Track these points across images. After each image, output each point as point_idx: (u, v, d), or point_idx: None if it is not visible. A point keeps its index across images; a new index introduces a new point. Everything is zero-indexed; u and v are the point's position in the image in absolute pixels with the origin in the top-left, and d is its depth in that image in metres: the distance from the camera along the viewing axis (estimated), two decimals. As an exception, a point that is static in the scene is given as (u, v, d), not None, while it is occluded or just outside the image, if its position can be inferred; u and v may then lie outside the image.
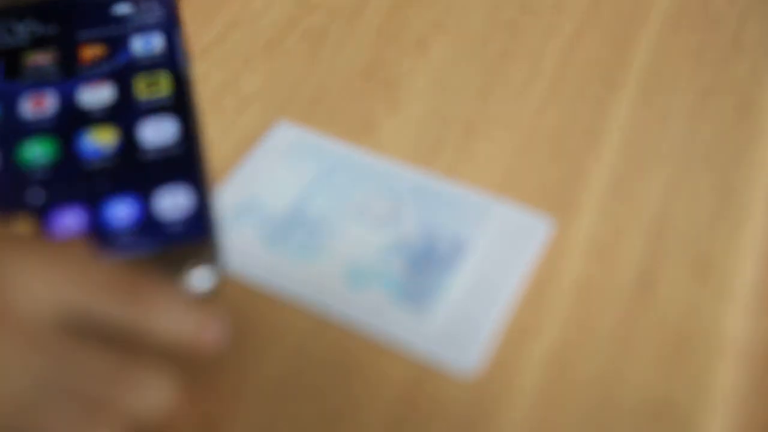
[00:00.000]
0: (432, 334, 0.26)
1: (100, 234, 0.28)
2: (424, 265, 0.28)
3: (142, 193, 0.29)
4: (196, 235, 0.28)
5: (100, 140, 0.31)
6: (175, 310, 0.22)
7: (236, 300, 0.27)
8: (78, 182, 0.29)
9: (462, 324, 0.26)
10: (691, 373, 0.26)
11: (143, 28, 0.35)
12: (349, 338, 0.26)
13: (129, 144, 0.31)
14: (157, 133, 0.31)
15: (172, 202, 0.29)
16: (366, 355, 0.26)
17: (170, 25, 0.35)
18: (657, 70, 0.35)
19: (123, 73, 0.33)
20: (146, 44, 0.34)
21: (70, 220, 0.28)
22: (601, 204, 0.30)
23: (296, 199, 0.30)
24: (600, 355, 0.26)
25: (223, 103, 0.34)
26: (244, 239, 0.29)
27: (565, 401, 0.25)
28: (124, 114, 0.32)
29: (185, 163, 0.30)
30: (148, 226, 0.28)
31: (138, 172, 0.30)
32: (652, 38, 0.37)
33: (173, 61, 0.33)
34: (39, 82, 0.33)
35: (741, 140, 0.32)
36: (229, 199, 0.30)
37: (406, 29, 0.37)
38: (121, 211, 0.29)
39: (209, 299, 0.27)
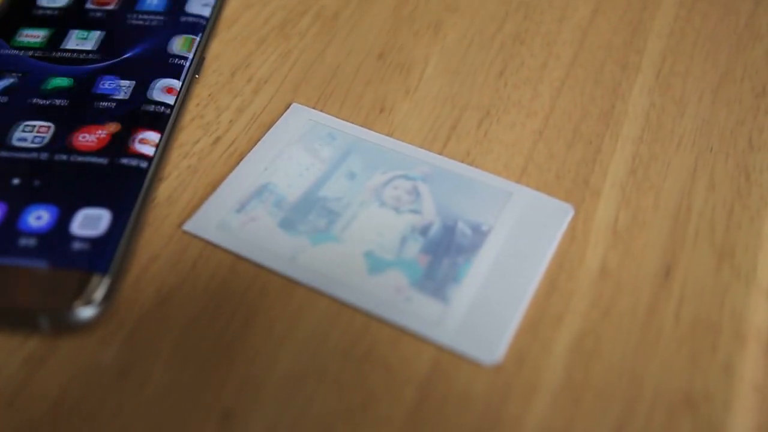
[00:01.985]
0: (453, 325, 0.26)
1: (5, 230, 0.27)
2: (444, 251, 0.28)
3: (64, 204, 0.27)
4: (95, 269, 0.26)
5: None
6: None
7: (251, 286, 0.27)
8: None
9: (484, 315, 0.26)
10: (719, 362, 0.25)
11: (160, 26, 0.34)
12: (366, 326, 0.26)
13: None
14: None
15: (87, 225, 0.27)
16: (384, 344, 0.26)
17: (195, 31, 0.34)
18: (672, 55, 0.35)
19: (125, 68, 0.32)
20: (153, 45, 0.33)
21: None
22: (620, 190, 0.30)
23: (311, 183, 0.30)
24: (624, 345, 0.26)
25: (236, 86, 0.33)
26: (259, 223, 0.28)
27: (589, 392, 0.25)
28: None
29: (120, 187, 0.28)
30: (52, 240, 0.26)
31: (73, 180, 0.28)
32: (667, 22, 0.37)
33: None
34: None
35: (759, 125, 0.32)
36: (243, 182, 0.30)
37: (420, 11, 0.37)
38: (38, 215, 0.27)
39: (86, 327, 0.26)
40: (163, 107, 0.31)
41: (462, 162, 0.31)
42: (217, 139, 0.31)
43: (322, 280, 0.27)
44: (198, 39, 0.34)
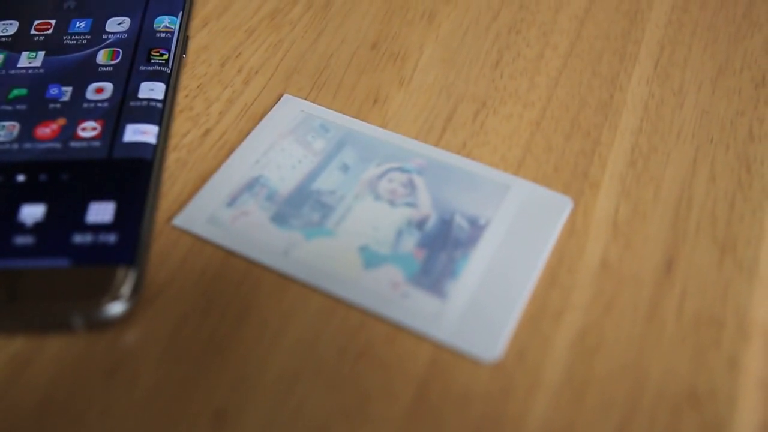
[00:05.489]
0: (451, 321, 0.25)
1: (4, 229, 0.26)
2: (441, 245, 0.27)
3: (71, 197, 0.27)
4: (118, 262, 0.25)
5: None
6: None
7: (243, 282, 0.26)
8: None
9: (483, 310, 0.25)
10: (723, 358, 0.25)
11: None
12: (362, 323, 0.25)
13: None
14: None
15: (101, 218, 0.26)
16: (380, 341, 0.25)
17: (175, 9, 0.33)
18: (670, 45, 0.34)
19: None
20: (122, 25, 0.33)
21: None
22: (619, 182, 0.29)
23: (304, 176, 0.29)
24: (626, 341, 0.25)
25: (225, 77, 0.32)
26: (250, 218, 0.28)
27: (591, 389, 0.24)
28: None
29: (134, 175, 0.28)
30: (73, 237, 0.26)
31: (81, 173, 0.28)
32: (664, 11, 0.36)
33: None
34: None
35: (759, 115, 0.32)
36: (234, 175, 0.29)
37: (414, 0, 0.36)
38: (53, 214, 0.26)
39: (119, 322, 0.25)
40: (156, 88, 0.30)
41: (458, 154, 0.30)
42: (207, 131, 0.30)
43: (316, 276, 0.26)
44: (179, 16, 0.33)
